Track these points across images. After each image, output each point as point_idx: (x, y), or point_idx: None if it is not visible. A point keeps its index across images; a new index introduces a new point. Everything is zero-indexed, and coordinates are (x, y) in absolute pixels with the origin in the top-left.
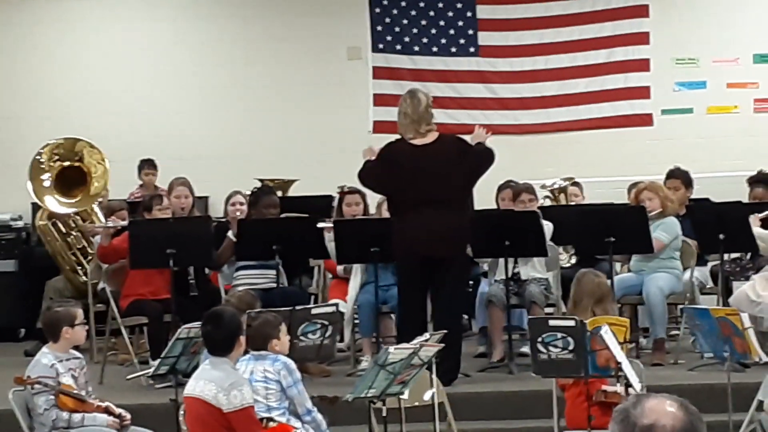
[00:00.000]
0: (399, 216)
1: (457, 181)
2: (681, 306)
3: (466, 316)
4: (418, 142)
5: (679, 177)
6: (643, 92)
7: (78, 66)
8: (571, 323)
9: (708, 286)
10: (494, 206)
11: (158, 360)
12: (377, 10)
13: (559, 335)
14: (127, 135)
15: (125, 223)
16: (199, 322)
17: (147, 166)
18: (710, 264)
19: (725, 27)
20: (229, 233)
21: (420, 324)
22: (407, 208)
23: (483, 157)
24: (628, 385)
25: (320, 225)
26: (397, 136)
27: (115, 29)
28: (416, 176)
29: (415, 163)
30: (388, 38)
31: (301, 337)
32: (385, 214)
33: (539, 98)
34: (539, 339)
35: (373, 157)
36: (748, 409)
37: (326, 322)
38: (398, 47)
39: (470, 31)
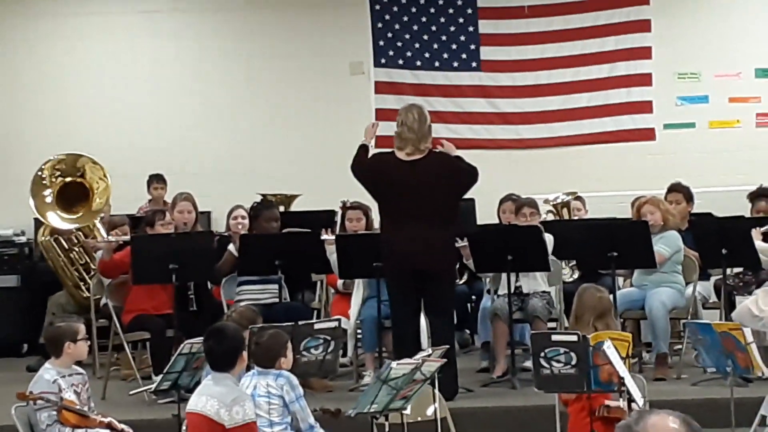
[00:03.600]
0: (387, 229)
1: (443, 198)
2: (683, 321)
3: (468, 331)
4: (407, 157)
5: (681, 191)
6: (645, 107)
7: (81, 82)
8: (574, 338)
9: (711, 301)
10: (496, 220)
11: (161, 375)
12: (379, 25)
13: (562, 350)
14: (129, 150)
15: (127, 238)
16: (202, 338)
17: (156, 180)
18: (713, 278)
19: (727, 41)
20: (230, 246)
21: (414, 335)
22: (394, 221)
23: (468, 175)
24: (630, 400)
25: (323, 237)
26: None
27: (118, 45)
28: (403, 191)
29: (402, 177)
30: (391, 53)
31: (304, 353)
32: None
33: (541, 113)
34: (542, 354)
35: (371, 139)
36: (750, 424)
37: (329, 337)
38: (400, 62)
39: (472, 46)
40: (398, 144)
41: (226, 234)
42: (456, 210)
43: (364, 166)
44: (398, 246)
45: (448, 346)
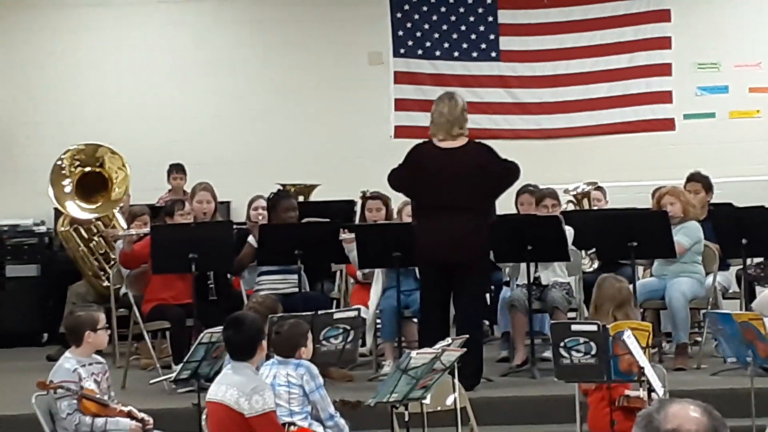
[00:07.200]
0: (420, 219)
1: (480, 189)
2: (704, 310)
3: (487, 322)
4: (445, 145)
5: (700, 180)
6: (665, 97)
7: (97, 71)
8: (594, 328)
9: (731, 291)
10: (513, 210)
11: (180, 364)
12: (398, 15)
13: (582, 340)
14: (147, 140)
15: (147, 230)
16: (221, 327)
17: (175, 170)
18: (734, 268)
19: (747, 31)
20: (250, 238)
21: (442, 327)
22: (429, 211)
23: (509, 173)
24: (650, 389)
25: (341, 237)
26: (419, 141)
27: (134, 35)
28: (439, 179)
29: (439, 165)
30: (410, 43)
31: (324, 342)
32: (406, 219)
33: (561, 103)
34: (561, 344)
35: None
36: None
37: (348, 327)
38: (419, 52)
39: (491, 36)
40: (432, 130)
41: (244, 226)
42: (490, 202)
43: (399, 171)
44: (429, 236)
45: (468, 336)
